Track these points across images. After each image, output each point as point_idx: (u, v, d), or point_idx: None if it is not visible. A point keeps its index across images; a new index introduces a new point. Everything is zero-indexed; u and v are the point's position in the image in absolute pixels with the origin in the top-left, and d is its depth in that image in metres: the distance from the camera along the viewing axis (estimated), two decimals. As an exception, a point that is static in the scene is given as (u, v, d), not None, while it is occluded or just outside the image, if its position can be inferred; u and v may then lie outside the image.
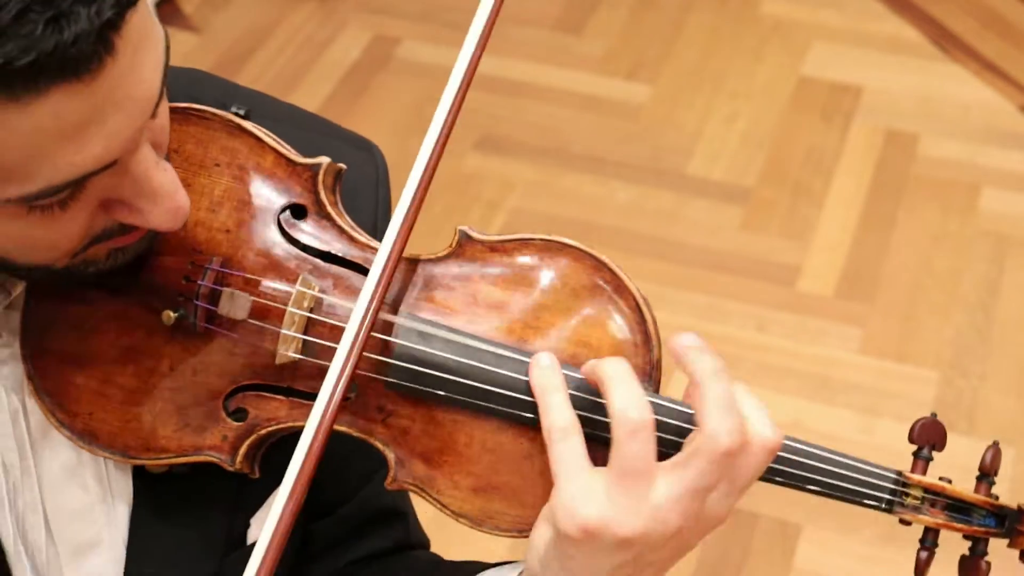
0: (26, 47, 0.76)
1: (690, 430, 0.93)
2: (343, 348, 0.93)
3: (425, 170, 0.96)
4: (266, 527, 0.90)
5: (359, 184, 1.13)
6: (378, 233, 1.12)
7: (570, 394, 0.93)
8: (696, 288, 2.85)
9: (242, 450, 1.00)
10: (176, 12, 3.52)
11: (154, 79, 0.86)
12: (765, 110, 3.26)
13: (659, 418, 0.92)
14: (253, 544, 1.09)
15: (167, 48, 0.89)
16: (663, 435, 0.92)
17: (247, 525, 1.10)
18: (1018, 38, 3.41)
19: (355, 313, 0.94)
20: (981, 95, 3.27)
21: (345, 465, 1.13)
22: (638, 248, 2.94)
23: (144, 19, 0.84)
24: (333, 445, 0.93)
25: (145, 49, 0.84)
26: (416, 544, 1.25)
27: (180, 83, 1.09)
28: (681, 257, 2.91)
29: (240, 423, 1.00)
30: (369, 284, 0.94)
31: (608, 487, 0.89)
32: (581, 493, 0.89)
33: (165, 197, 0.91)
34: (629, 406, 0.89)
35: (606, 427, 0.91)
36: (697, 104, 3.28)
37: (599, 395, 0.92)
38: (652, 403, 0.90)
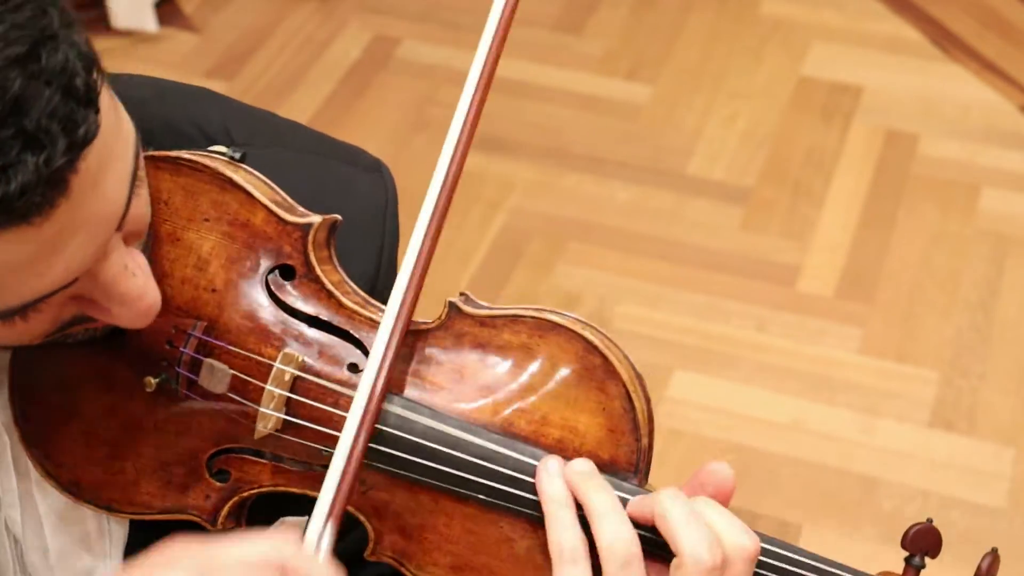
0: None
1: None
2: (344, 444, 0.92)
3: (415, 267, 0.94)
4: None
5: (368, 210, 1.10)
6: (383, 259, 1.11)
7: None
8: (696, 288, 2.84)
9: (224, 511, 0.99)
10: (176, 12, 3.51)
11: (119, 194, 0.81)
12: (765, 110, 3.25)
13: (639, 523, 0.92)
14: None
15: (137, 145, 0.83)
16: (653, 536, 0.92)
17: None
18: (1018, 38, 3.41)
19: (351, 415, 0.92)
20: (981, 95, 3.27)
21: None
22: (638, 248, 2.93)
23: (107, 137, 0.78)
24: None
25: (108, 168, 0.79)
26: None
27: (184, 104, 1.08)
28: (681, 257, 2.91)
29: (223, 484, 0.99)
30: (363, 389, 0.93)
31: None
32: None
33: (133, 301, 0.88)
34: (616, 539, 0.89)
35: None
36: (697, 104, 3.28)
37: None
38: (639, 500, 0.92)
